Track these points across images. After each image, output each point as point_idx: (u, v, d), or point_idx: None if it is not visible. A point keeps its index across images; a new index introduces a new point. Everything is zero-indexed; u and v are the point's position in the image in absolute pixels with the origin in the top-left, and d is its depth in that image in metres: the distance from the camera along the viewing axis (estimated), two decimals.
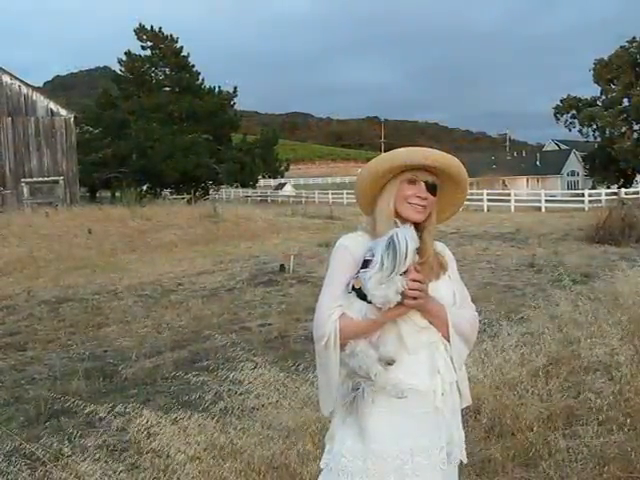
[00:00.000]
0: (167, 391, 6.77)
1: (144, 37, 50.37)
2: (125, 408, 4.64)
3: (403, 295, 2.16)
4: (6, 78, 37.84)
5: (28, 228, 22.43)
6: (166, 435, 3.99)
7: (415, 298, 2.19)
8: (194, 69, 51.00)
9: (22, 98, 37.92)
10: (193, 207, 29.03)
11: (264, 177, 57.53)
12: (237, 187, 56.64)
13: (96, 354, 8.51)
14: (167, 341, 8.91)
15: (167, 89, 50.86)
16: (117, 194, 41.30)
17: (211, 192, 52.02)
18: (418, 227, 2.32)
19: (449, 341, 2.33)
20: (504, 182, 60.91)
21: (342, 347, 2.24)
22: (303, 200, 52.77)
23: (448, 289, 2.40)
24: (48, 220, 24.11)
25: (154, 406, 6.12)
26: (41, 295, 13.12)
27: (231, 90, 51.52)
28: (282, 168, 54.38)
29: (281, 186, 72.74)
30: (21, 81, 38.49)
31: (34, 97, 38.54)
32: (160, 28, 50.62)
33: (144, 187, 47.67)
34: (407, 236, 2.16)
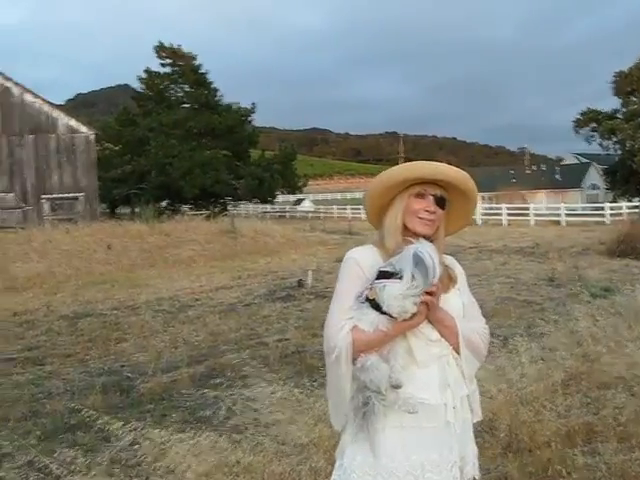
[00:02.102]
0: (183, 406, 6.73)
1: (163, 55, 50.90)
2: (140, 423, 4.63)
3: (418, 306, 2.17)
4: (28, 96, 38.31)
5: (48, 244, 22.56)
6: (179, 451, 3.97)
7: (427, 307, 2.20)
8: (212, 86, 51.40)
9: (43, 116, 38.36)
10: (212, 223, 29.10)
11: (282, 193, 57.58)
12: (256, 203, 56.73)
13: (113, 369, 8.51)
14: (184, 356, 8.89)
15: (186, 106, 51.20)
16: (137, 210, 41.58)
17: (230, 208, 52.17)
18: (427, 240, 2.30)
19: (459, 354, 2.32)
20: (523, 196, 60.56)
21: (353, 361, 2.22)
22: (321, 215, 52.82)
23: (458, 302, 2.39)
24: (68, 236, 24.23)
25: (169, 421, 6.12)
26: (60, 310, 13.19)
27: (249, 106, 51.81)
28: (300, 184, 54.39)
29: (300, 202, 72.83)
30: (42, 99, 38.96)
31: (55, 115, 38.97)
32: (179, 46, 51.21)
33: (163, 203, 47.94)
34: (431, 252, 2.17)
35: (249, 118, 51.72)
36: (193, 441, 4.19)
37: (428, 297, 2.17)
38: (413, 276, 2.13)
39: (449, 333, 2.30)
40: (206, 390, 6.40)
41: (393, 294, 2.14)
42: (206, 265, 20.55)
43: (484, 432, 4.56)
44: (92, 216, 36.81)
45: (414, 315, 2.18)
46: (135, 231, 25.07)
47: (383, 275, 2.20)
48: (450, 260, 2.50)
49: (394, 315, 2.16)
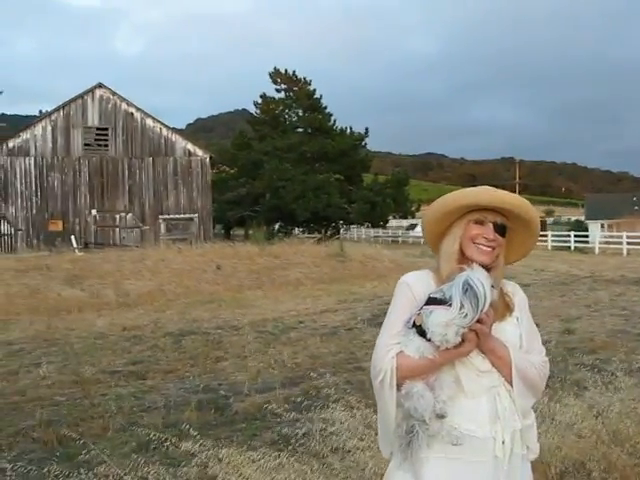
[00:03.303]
0: (272, 427, 6.77)
1: (278, 80, 52.20)
2: (225, 441, 4.67)
3: (463, 337, 2.08)
4: (149, 121, 40.33)
5: (160, 262, 23.37)
6: (250, 471, 3.98)
7: (477, 336, 2.11)
8: (326, 110, 52.10)
9: (162, 140, 40.27)
10: (321, 246, 29.30)
11: (395, 217, 57.40)
12: (368, 227, 56.89)
13: (210, 387, 8.67)
14: (280, 377, 8.95)
15: (300, 130, 52.20)
16: (250, 232, 42.59)
17: (342, 231, 52.46)
18: (485, 269, 2.21)
19: (512, 385, 2.19)
20: None
21: (398, 387, 2.16)
22: None
23: (514, 331, 2.28)
24: (180, 255, 25.04)
25: (259, 441, 6.17)
26: (167, 327, 13.63)
27: (362, 131, 52.12)
28: (413, 208, 54.03)
29: (413, 227, 72.19)
30: (162, 124, 40.90)
31: (173, 139, 40.79)
32: (294, 71, 52.46)
33: (276, 225, 48.85)
34: (482, 279, 2.09)
35: (362, 143, 52.05)
36: (267, 462, 4.18)
37: (478, 325, 2.08)
38: (462, 304, 2.05)
39: (502, 364, 2.19)
40: (296, 412, 6.39)
41: (437, 321, 2.07)
42: (313, 288, 20.68)
43: (576, 472, 4.31)
44: (205, 237, 38.07)
45: (460, 344, 2.09)
46: (245, 252, 25.60)
47: (433, 301, 2.14)
48: (512, 287, 2.40)
49: (436, 343, 2.09)
